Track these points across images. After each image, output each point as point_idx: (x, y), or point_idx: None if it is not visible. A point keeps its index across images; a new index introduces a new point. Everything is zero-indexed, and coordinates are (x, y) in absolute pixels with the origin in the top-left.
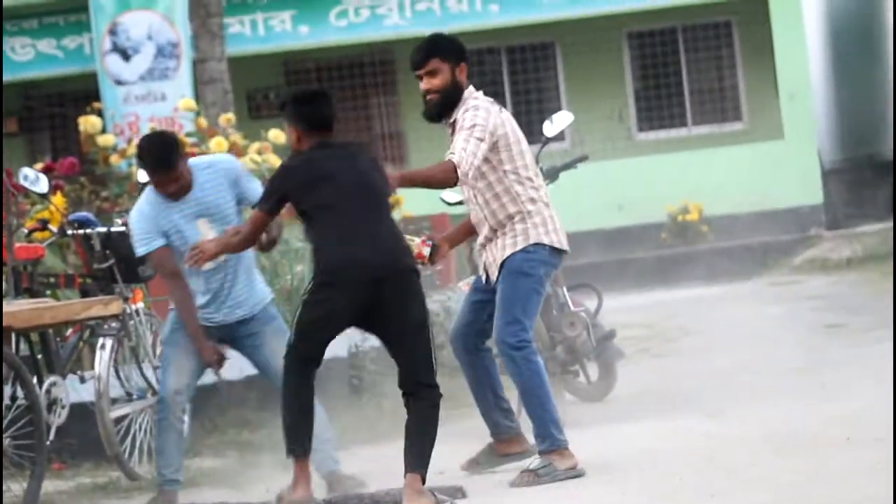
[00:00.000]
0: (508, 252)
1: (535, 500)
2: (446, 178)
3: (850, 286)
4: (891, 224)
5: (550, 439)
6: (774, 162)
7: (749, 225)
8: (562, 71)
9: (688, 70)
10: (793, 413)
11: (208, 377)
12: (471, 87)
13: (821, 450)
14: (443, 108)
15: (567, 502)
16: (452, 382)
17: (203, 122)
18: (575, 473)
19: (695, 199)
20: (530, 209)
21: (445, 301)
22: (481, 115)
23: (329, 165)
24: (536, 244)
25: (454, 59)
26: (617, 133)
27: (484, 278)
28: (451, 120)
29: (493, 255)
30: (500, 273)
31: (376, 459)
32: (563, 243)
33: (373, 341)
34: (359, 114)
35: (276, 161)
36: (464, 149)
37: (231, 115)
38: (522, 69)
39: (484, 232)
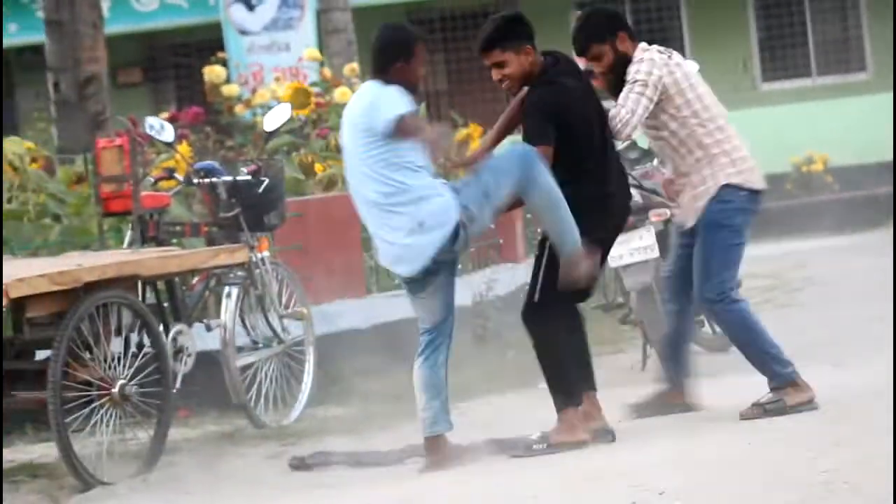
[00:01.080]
0: (702, 202)
1: (670, 446)
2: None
3: None
4: None
5: (777, 376)
6: None
7: (873, 175)
8: (686, 21)
9: (812, 20)
10: None
11: (332, 325)
12: (643, 43)
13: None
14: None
15: (696, 448)
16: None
17: (327, 72)
18: (809, 407)
19: (819, 149)
20: (715, 152)
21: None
22: (644, 69)
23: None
24: (727, 186)
25: (611, 34)
26: (741, 83)
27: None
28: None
29: (687, 202)
30: (698, 224)
31: (502, 408)
32: (755, 182)
33: (497, 290)
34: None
35: None
36: (622, 105)
37: (355, 65)
38: (646, 19)
39: (679, 178)
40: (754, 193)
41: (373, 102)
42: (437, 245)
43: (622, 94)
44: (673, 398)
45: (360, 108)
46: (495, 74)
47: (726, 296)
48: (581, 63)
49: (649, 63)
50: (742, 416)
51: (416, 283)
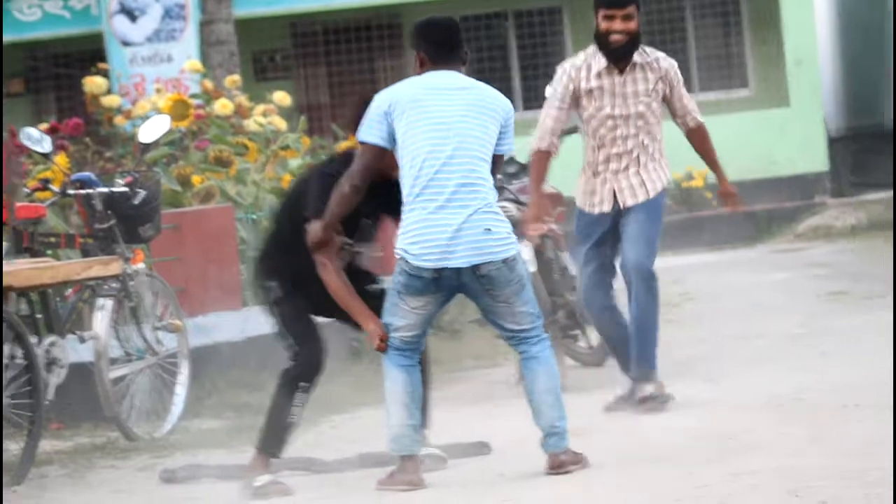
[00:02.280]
0: (656, 187)
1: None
2: None
3: (853, 254)
4: (892, 192)
5: (653, 363)
6: (780, 129)
7: (753, 192)
8: (569, 36)
9: (695, 36)
10: (793, 380)
11: (207, 338)
12: None
13: (821, 417)
14: (629, 53)
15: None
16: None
17: (209, 83)
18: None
19: (699, 165)
20: (662, 150)
21: None
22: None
23: None
24: (665, 186)
25: (639, 8)
26: None
27: (604, 207)
28: (630, 64)
29: (629, 183)
30: (638, 205)
31: (377, 422)
32: None
33: None
34: (364, 77)
35: (280, 123)
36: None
37: (237, 77)
38: (529, 34)
39: (622, 162)
40: None
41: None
42: (500, 255)
43: (686, 96)
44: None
45: (491, 92)
46: (619, 25)
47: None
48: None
49: None
50: (643, 408)
51: (433, 284)
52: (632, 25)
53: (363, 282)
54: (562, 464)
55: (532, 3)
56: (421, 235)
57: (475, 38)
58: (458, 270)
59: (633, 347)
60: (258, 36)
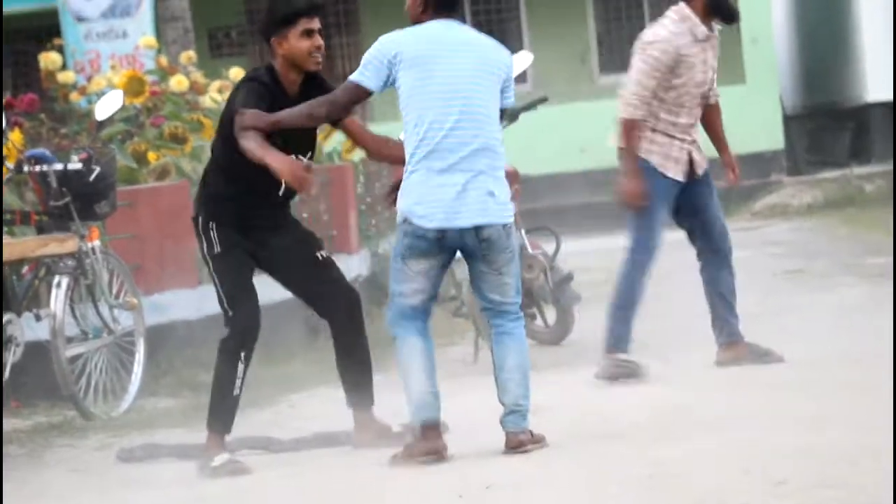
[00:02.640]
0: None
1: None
2: None
3: (809, 232)
4: (850, 171)
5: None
6: (735, 107)
7: (710, 169)
8: (525, 13)
9: (650, 14)
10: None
11: (163, 316)
12: None
13: (778, 394)
14: None
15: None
16: None
17: (163, 60)
18: None
19: None
20: None
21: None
22: None
23: None
24: None
25: None
26: (579, 75)
27: (680, 176)
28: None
29: (699, 152)
30: (706, 173)
31: (336, 400)
32: None
33: None
34: None
35: None
36: None
37: (192, 54)
38: (485, 10)
39: (694, 132)
40: None
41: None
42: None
43: None
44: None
45: (493, 45)
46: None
47: None
48: None
49: None
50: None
51: (437, 245)
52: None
53: (313, 248)
54: (521, 443)
55: None
56: (426, 196)
57: None
58: (461, 231)
59: (729, 312)
60: (213, 12)
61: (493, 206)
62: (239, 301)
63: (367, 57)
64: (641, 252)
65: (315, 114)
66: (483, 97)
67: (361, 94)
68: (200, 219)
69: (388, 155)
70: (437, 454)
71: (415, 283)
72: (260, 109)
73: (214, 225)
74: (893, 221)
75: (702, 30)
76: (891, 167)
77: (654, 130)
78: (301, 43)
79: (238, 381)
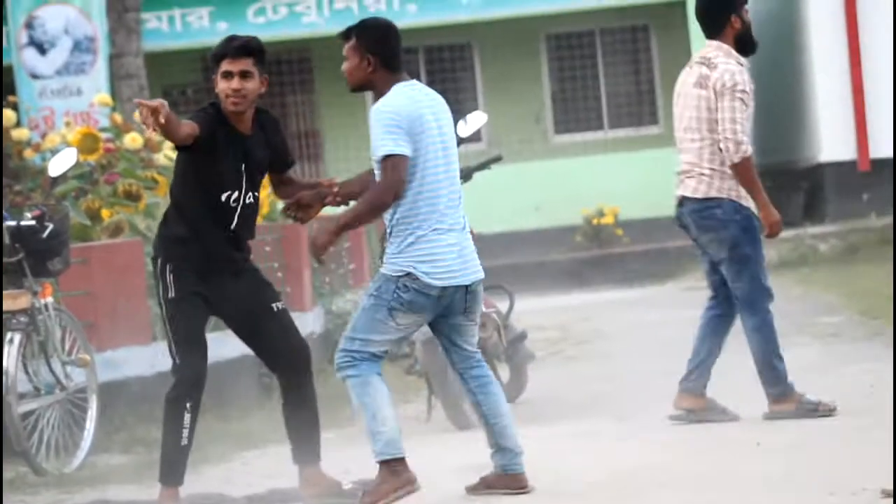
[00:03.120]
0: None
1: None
2: None
3: None
4: (804, 231)
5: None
6: None
7: (664, 229)
8: (479, 72)
9: (605, 73)
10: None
11: (116, 372)
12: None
13: (731, 454)
14: None
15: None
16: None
17: (118, 117)
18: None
19: (611, 202)
20: None
21: (358, 300)
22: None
23: None
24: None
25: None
26: (534, 135)
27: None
28: None
29: None
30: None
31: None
32: None
33: None
34: (276, 111)
35: None
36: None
37: None
38: (440, 69)
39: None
40: None
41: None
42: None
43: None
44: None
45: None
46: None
47: None
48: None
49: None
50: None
51: (436, 301)
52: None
53: (269, 298)
54: (525, 483)
55: (442, 39)
56: (432, 254)
57: None
58: (457, 288)
59: (711, 363)
60: (168, 70)
61: (477, 261)
62: (187, 351)
63: (384, 127)
64: (761, 297)
65: (382, 202)
66: (455, 154)
67: (405, 163)
68: (159, 260)
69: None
70: (411, 484)
71: (391, 336)
72: (200, 127)
73: (172, 268)
74: (894, 270)
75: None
76: (844, 227)
77: (720, 168)
78: (220, 83)
79: (185, 431)
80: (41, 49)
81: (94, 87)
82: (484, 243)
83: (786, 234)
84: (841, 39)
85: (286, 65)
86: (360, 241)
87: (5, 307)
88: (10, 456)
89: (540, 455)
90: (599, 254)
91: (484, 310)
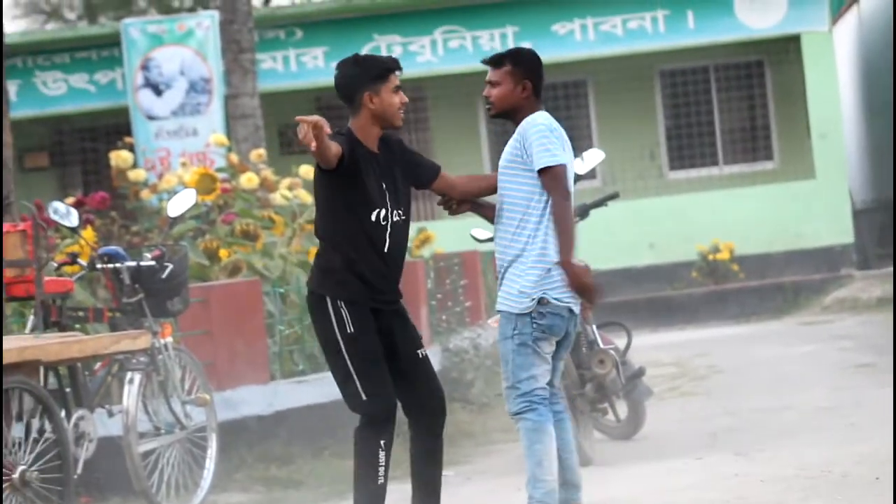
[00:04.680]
0: None
1: None
2: None
3: (879, 326)
4: None
5: None
6: (805, 201)
7: (780, 264)
8: (594, 109)
9: (719, 109)
10: (822, 452)
11: (235, 412)
12: None
13: (851, 489)
14: None
15: None
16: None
17: (234, 157)
18: None
19: (726, 238)
20: None
21: (475, 338)
22: None
23: None
24: None
25: None
26: (648, 171)
27: None
28: None
29: None
30: None
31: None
32: None
33: None
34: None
35: (306, 196)
36: None
37: (262, 151)
38: (554, 107)
39: None
40: None
41: None
42: None
43: None
44: None
45: None
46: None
47: None
48: None
49: None
50: None
51: (566, 324)
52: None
53: (416, 344)
54: None
55: (557, 76)
56: (552, 278)
57: None
58: (573, 313)
59: None
60: (283, 109)
61: None
62: (374, 385)
63: (545, 141)
64: None
65: (569, 216)
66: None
67: (566, 171)
68: (327, 297)
69: (486, 187)
70: None
71: (546, 365)
72: (340, 145)
73: (343, 303)
74: (894, 320)
75: None
76: None
77: None
78: (393, 98)
79: (381, 469)
80: (157, 90)
81: (210, 128)
82: (600, 280)
83: None
84: None
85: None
86: (475, 279)
87: (126, 347)
88: (131, 495)
89: (656, 491)
90: (715, 289)
91: (602, 346)
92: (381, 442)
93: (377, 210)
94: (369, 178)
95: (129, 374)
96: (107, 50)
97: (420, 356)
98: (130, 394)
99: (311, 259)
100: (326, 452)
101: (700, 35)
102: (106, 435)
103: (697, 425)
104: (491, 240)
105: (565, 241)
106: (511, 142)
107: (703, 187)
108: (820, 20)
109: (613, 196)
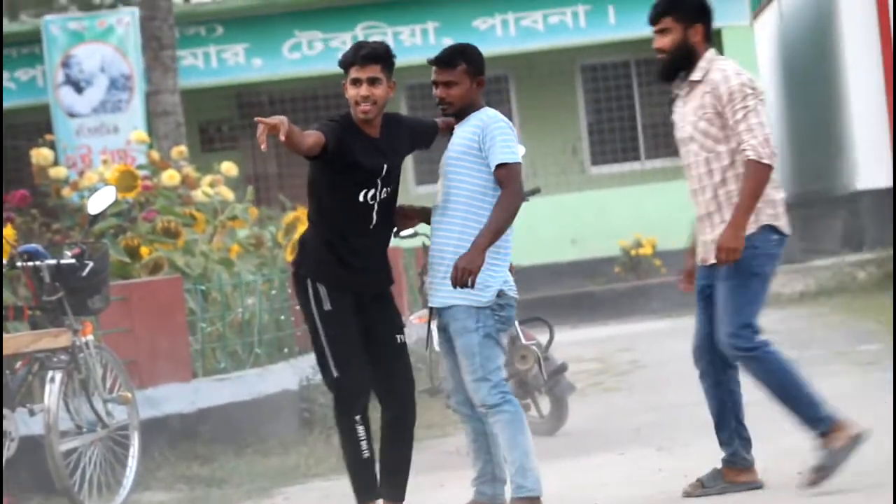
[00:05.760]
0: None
1: None
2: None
3: (802, 320)
4: (842, 259)
5: (822, 421)
6: None
7: None
8: (515, 104)
9: (641, 104)
10: None
11: (157, 410)
12: (712, 50)
13: (772, 483)
14: (671, 69)
15: None
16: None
17: (155, 154)
18: (858, 441)
19: (648, 233)
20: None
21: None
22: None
23: None
24: (765, 227)
25: (689, 19)
26: (570, 167)
27: (700, 260)
28: (690, 79)
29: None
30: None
31: (329, 493)
32: (788, 227)
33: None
34: None
35: (228, 193)
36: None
37: (183, 148)
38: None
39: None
40: (783, 238)
41: None
42: None
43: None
44: (735, 476)
45: None
46: (656, 43)
47: (764, 343)
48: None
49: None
50: (809, 482)
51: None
52: (665, 41)
53: (397, 329)
54: None
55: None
56: (503, 271)
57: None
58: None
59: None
60: (204, 106)
61: None
62: (347, 362)
63: (507, 137)
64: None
65: (517, 208)
66: None
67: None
68: (308, 278)
69: None
70: None
71: (504, 356)
72: (325, 135)
73: (324, 281)
74: (894, 303)
75: None
76: (883, 254)
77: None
78: (350, 90)
79: (363, 443)
80: (78, 87)
81: (131, 125)
82: (522, 276)
83: (824, 262)
84: (876, 63)
85: (322, 100)
86: (397, 277)
87: (46, 346)
88: (52, 494)
89: (580, 486)
90: (637, 284)
91: (524, 342)
92: (356, 417)
93: (365, 190)
94: (361, 160)
95: (49, 373)
96: (27, 47)
97: (398, 341)
98: (52, 392)
99: (233, 256)
100: (249, 450)
101: (621, 30)
102: (27, 434)
103: (620, 420)
104: (414, 236)
105: (496, 229)
106: (464, 134)
107: (624, 182)
108: (741, 14)
109: (535, 191)
